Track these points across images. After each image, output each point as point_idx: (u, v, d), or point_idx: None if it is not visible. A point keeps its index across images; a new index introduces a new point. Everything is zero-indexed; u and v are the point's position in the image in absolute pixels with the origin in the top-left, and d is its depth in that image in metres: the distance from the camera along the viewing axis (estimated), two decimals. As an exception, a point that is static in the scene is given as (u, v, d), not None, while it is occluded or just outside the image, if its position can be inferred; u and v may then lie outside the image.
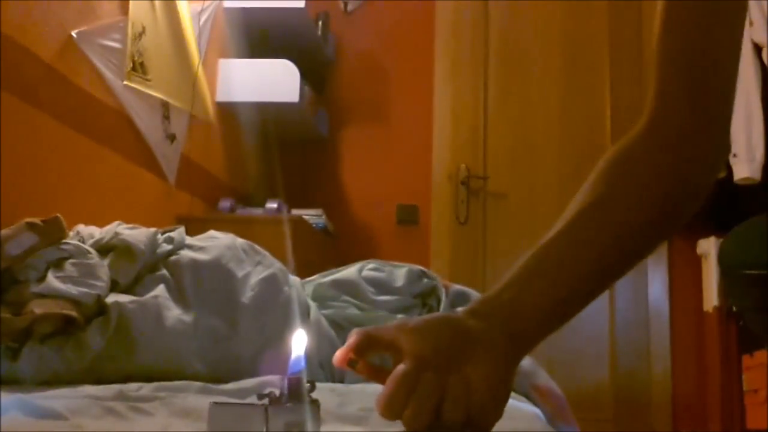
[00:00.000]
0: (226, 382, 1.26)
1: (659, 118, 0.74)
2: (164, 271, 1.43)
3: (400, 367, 0.59)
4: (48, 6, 1.90)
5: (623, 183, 0.72)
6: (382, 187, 3.57)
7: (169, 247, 1.50)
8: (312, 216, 3.04)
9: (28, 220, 1.32)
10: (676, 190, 0.72)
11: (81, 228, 1.56)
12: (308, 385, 0.62)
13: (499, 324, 0.63)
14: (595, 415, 3.26)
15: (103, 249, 1.43)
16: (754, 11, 2.85)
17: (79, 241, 1.44)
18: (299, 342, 0.64)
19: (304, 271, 1.80)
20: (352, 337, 0.63)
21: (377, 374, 0.63)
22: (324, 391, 1.07)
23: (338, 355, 0.63)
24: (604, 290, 0.72)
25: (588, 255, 0.69)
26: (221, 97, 3.01)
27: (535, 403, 1.35)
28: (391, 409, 0.58)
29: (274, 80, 3.01)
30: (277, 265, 1.58)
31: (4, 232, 1.29)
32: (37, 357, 1.18)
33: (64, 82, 1.97)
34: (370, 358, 0.64)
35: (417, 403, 0.57)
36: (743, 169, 2.81)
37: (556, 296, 0.67)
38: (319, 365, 1.48)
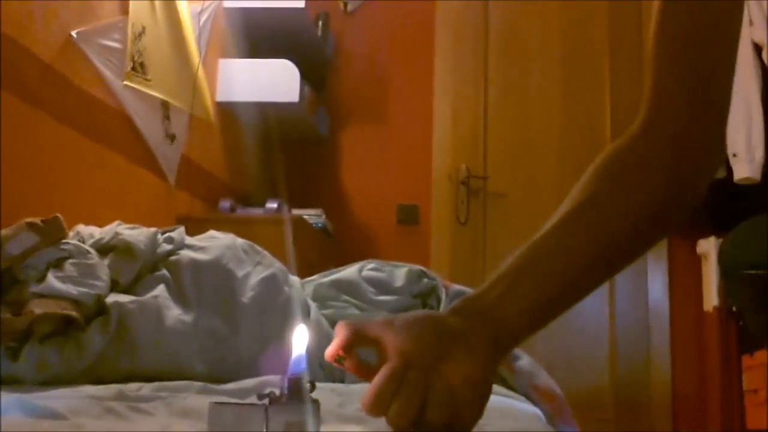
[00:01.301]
0: (226, 382, 1.26)
1: (655, 119, 0.74)
2: (164, 271, 1.43)
3: (387, 365, 0.59)
4: (48, 6, 1.90)
5: (616, 183, 0.72)
6: (382, 187, 3.57)
7: (169, 247, 1.50)
8: (312, 216, 3.04)
9: (28, 220, 1.32)
10: (671, 191, 0.72)
11: (81, 228, 1.56)
12: (308, 385, 0.62)
13: (481, 324, 0.63)
14: (596, 415, 3.26)
15: (103, 249, 1.43)
16: (754, 11, 2.85)
17: (79, 241, 1.44)
18: (301, 339, 0.65)
19: (304, 271, 1.80)
20: (340, 333, 0.64)
21: (363, 371, 0.63)
22: (324, 391, 1.07)
23: (328, 351, 0.64)
24: (592, 291, 0.71)
25: (576, 255, 0.69)
26: (221, 97, 3.01)
27: (535, 403, 1.35)
28: (377, 406, 0.59)
29: (274, 80, 3.01)
30: (277, 265, 1.58)
31: (4, 232, 1.29)
32: (37, 357, 1.18)
33: (64, 82, 1.97)
34: (356, 352, 0.64)
35: (402, 401, 0.58)
36: (743, 169, 2.81)
37: (542, 297, 0.67)
38: (319, 365, 1.48)
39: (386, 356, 0.61)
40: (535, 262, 0.68)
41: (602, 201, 0.71)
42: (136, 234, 1.49)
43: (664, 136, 0.73)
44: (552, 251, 0.68)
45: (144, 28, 2.35)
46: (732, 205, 2.39)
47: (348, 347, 0.63)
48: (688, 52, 0.73)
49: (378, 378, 0.59)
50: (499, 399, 1.11)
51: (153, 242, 1.48)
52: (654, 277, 3.42)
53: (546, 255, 0.68)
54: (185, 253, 1.48)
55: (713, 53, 0.72)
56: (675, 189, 0.72)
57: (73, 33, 2.00)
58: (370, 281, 1.70)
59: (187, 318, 1.36)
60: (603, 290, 3.33)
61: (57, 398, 0.97)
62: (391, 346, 0.61)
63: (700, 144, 0.73)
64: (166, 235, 1.55)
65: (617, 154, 0.74)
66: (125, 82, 2.24)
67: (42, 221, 1.33)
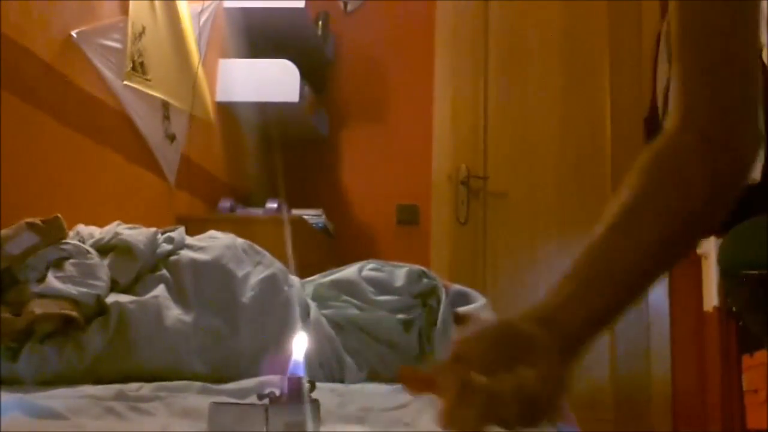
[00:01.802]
0: (226, 382, 1.26)
1: (689, 117, 0.75)
2: (164, 271, 1.44)
3: (456, 376, 0.59)
4: (48, 6, 1.90)
5: (661, 181, 0.73)
6: (382, 187, 3.57)
7: (169, 247, 1.50)
8: (312, 216, 3.04)
9: (28, 220, 1.32)
10: (711, 187, 0.73)
11: (81, 228, 1.56)
12: (308, 385, 0.63)
13: (549, 329, 0.64)
14: (595, 415, 3.26)
15: (103, 249, 1.43)
16: (754, 11, 2.84)
17: (79, 241, 1.44)
18: (299, 346, 0.65)
19: (304, 271, 1.80)
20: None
21: (428, 386, 0.62)
22: (324, 391, 1.07)
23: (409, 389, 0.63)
24: (651, 286, 0.73)
25: (634, 253, 0.70)
26: (221, 97, 3.01)
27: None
28: (453, 421, 0.59)
29: (274, 80, 3.01)
30: (277, 265, 1.58)
31: (4, 232, 1.29)
32: (37, 357, 1.18)
33: (64, 82, 1.97)
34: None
35: (476, 410, 0.58)
36: (743, 169, 2.81)
37: (605, 299, 0.68)
38: (319, 365, 1.48)
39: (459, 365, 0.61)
40: (593, 267, 0.70)
41: (651, 200, 0.72)
42: (136, 234, 1.49)
43: (696, 135, 0.74)
44: (610, 254, 0.70)
45: (144, 28, 2.35)
46: (732, 205, 2.38)
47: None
48: (712, 49, 0.74)
49: (448, 392, 0.59)
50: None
51: (153, 242, 1.48)
52: (654, 277, 3.41)
53: (603, 257, 0.70)
54: (185, 253, 1.48)
55: (736, 46, 0.74)
56: (715, 185, 0.74)
57: (73, 33, 2.00)
58: (370, 281, 1.70)
59: (187, 318, 1.36)
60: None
61: (57, 398, 0.97)
62: (463, 354, 0.61)
63: (735, 136, 0.74)
64: (166, 235, 1.55)
65: (657, 154, 0.76)
66: (125, 82, 2.24)
67: (42, 221, 1.33)
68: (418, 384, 0.63)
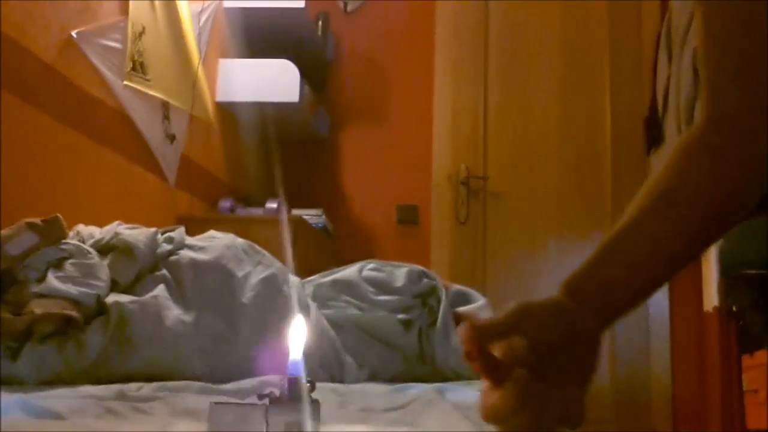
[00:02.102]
0: (226, 382, 1.26)
1: (716, 120, 0.76)
2: (164, 271, 1.44)
3: (515, 380, 0.62)
4: (48, 6, 1.90)
5: (693, 169, 0.75)
6: (382, 187, 3.57)
7: (169, 247, 1.50)
8: (312, 216, 3.04)
9: (28, 220, 1.32)
10: (744, 178, 0.74)
11: (81, 228, 1.56)
12: (308, 385, 0.63)
13: (592, 314, 0.68)
14: (596, 415, 3.25)
15: (103, 249, 1.43)
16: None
17: (79, 241, 1.44)
18: (297, 334, 0.65)
19: (304, 271, 1.80)
20: (467, 333, 0.63)
21: (489, 372, 0.64)
22: (324, 391, 1.07)
23: (464, 351, 0.64)
24: (688, 265, 0.75)
25: (679, 236, 0.73)
26: (221, 97, 3.01)
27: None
28: (499, 417, 0.62)
29: (274, 80, 3.01)
30: (277, 265, 1.58)
31: (4, 232, 1.29)
32: (37, 357, 1.18)
33: (64, 82, 1.97)
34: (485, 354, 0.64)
35: (531, 414, 0.61)
36: (743, 169, 2.80)
37: (646, 278, 0.72)
38: (319, 365, 1.48)
39: (512, 355, 0.63)
40: (636, 247, 0.72)
41: (687, 184, 0.74)
42: (136, 234, 1.49)
43: (726, 135, 0.75)
44: (653, 234, 0.72)
45: (144, 28, 2.35)
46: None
47: (476, 349, 0.64)
48: (739, 52, 0.75)
49: (508, 392, 0.61)
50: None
51: (153, 242, 1.48)
52: (654, 277, 3.41)
53: (646, 238, 0.72)
54: (185, 253, 1.48)
55: (763, 48, 0.74)
56: (748, 176, 0.74)
57: (73, 33, 2.00)
58: (370, 281, 1.70)
59: (187, 318, 1.36)
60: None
61: (57, 398, 0.97)
62: (517, 348, 0.63)
63: (761, 131, 0.74)
64: (166, 235, 1.55)
65: (686, 147, 0.77)
66: (125, 82, 2.24)
67: (42, 221, 1.33)
68: (478, 354, 0.63)
